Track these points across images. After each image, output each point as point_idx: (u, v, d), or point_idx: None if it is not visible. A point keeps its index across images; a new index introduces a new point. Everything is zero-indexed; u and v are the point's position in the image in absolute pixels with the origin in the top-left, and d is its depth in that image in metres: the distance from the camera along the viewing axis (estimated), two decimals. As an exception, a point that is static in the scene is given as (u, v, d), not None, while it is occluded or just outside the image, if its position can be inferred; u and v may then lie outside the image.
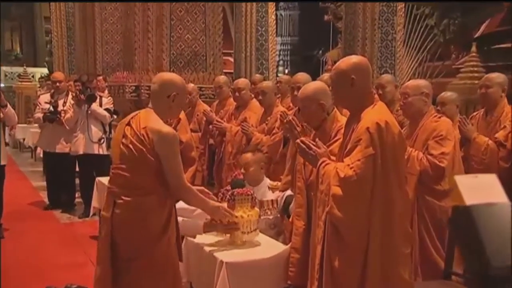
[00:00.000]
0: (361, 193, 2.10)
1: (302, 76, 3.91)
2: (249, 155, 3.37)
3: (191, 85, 5.38)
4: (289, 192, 3.21)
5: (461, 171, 3.13)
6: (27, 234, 5.12)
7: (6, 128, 12.54)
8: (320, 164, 2.28)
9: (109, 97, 6.05)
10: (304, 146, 2.35)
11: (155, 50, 6.31)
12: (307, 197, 2.71)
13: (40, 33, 17.96)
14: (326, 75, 3.57)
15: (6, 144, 12.55)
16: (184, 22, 6.40)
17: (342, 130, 2.60)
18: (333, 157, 2.36)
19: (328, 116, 2.71)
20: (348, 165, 2.13)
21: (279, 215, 3.26)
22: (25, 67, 14.24)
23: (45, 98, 6.19)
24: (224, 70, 7.63)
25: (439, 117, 3.21)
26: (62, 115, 6.00)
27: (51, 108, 6.02)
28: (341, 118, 2.74)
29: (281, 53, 20.41)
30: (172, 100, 2.45)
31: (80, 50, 10.02)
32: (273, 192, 3.32)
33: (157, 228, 2.36)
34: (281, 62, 19.97)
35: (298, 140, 2.40)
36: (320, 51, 17.46)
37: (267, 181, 3.39)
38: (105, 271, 2.38)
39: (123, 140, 2.42)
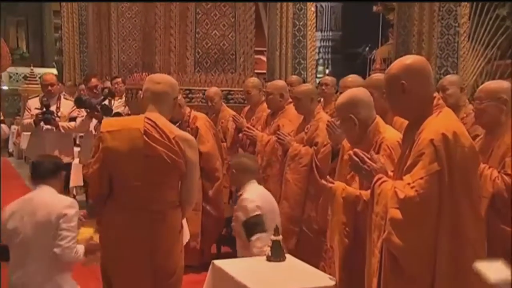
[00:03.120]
0: (424, 217, 2.05)
1: (353, 79, 3.87)
2: (238, 160, 3.79)
3: (213, 89, 5.43)
4: (248, 205, 3.50)
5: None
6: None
7: (10, 136, 12.94)
8: (376, 182, 2.25)
9: (120, 100, 6.17)
10: (357, 160, 2.33)
11: (178, 48, 6.40)
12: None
13: (49, 29, 18.41)
14: (376, 76, 3.52)
15: (10, 154, 12.99)
16: (211, 17, 6.48)
17: (387, 143, 2.59)
18: None
19: (368, 128, 2.70)
20: (409, 184, 2.09)
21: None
22: (32, 67, 14.64)
23: (35, 103, 6.28)
24: (256, 71, 7.67)
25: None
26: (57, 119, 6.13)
27: (44, 109, 6.08)
28: (385, 129, 2.73)
29: (321, 50, 20.39)
30: (175, 102, 2.81)
31: (93, 49, 10.26)
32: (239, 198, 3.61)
33: (182, 241, 2.77)
34: (321, 61, 19.94)
35: (350, 152, 2.39)
36: (367, 48, 17.34)
37: (247, 187, 3.64)
38: None
39: (147, 152, 2.57)
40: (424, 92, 2.23)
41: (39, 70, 15.75)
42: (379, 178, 2.26)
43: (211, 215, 4.77)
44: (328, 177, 2.87)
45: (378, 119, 2.76)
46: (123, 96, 6.69)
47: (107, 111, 5.77)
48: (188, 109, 4.85)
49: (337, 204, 2.69)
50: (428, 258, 2.07)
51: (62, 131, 6.08)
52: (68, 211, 2.92)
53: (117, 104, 6.06)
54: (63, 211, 2.91)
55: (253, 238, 3.44)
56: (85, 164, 5.47)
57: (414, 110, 2.23)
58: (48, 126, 6.12)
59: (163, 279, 2.65)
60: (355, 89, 2.93)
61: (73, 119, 6.15)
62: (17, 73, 17.53)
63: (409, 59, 2.29)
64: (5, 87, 15.79)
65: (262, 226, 3.49)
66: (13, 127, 12.11)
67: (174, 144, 2.59)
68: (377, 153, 2.60)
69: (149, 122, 2.63)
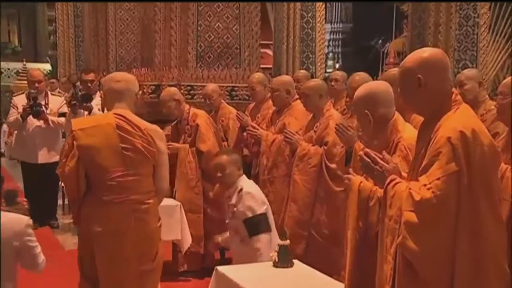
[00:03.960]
0: (441, 221, 2.05)
1: (360, 78, 3.88)
2: (224, 157, 3.72)
3: (211, 85, 5.45)
4: (252, 199, 3.53)
5: None
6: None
7: (2, 135, 13.00)
8: (389, 183, 2.24)
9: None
10: (368, 160, 2.32)
11: (179, 42, 6.43)
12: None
13: (42, 22, 18.43)
14: (393, 70, 3.52)
15: (1, 154, 13.04)
16: (214, 8, 6.50)
17: (404, 144, 2.58)
18: None
19: (386, 125, 2.69)
20: (425, 185, 2.08)
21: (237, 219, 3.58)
22: (24, 62, 14.71)
23: (21, 100, 6.34)
24: (262, 66, 7.69)
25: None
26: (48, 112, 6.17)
27: (31, 101, 6.11)
28: (403, 127, 2.71)
29: (331, 43, 20.36)
30: (137, 97, 3.14)
31: (89, 43, 10.28)
32: (237, 194, 3.61)
33: (160, 227, 3.09)
34: (330, 55, 19.92)
35: (361, 153, 2.39)
36: (380, 41, 17.31)
37: (239, 183, 3.65)
38: (128, 283, 2.93)
39: (124, 145, 2.90)
40: (441, 87, 2.22)
41: (32, 65, 15.78)
42: (392, 180, 2.25)
43: (213, 218, 4.78)
44: (350, 170, 2.87)
45: (397, 116, 2.74)
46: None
47: (87, 98, 5.75)
48: (187, 106, 4.87)
49: (353, 196, 2.69)
50: (445, 263, 2.05)
51: (52, 125, 6.15)
52: (29, 230, 2.78)
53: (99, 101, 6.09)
54: (25, 230, 2.76)
55: (259, 237, 3.45)
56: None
57: (430, 106, 2.23)
58: (37, 123, 6.18)
59: (146, 264, 2.99)
60: (375, 82, 2.93)
61: (62, 114, 6.21)
62: (8, 69, 17.57)
63: (425, 52, 2.28)
64: (-4, 84, 15.83)
65: (269, 225, 3.53)
66: (5, 125, 12.15)
67: (147, 135, 2.94)
68: (393, 152, 2.60)
69: (119, 117, 2.96)
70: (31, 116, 6.23)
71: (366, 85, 2.85)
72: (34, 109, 6.07)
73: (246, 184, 3.68)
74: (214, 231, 4.79)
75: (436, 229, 2.06)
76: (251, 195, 3.57)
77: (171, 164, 4.76)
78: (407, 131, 2.71)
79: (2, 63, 17.25)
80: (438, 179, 2.05)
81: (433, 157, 2.11)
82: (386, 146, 2.64)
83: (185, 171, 4.72)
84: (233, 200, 3.62)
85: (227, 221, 3.75)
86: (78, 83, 6.41)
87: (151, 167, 2.98)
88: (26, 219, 2.84)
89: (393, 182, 2.24)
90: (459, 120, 2.14)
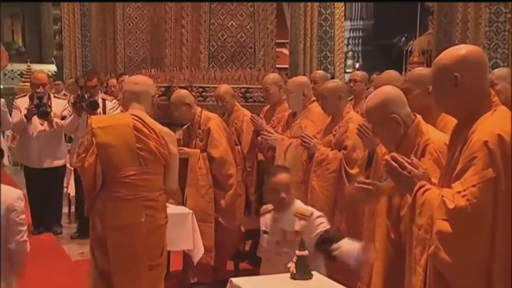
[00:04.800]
0: (477, 230, 2.01)
1: (389, 76, 3.82)
2: (285, 176, 3.59)
3: (223, 87, 5.46)
4: (319, 218, 3.41)
5: None
6: (32, 277, 5.29)
7: (5, 140, 13.11)
8: (418, 190, 2.21)
9: (114, 100, 6.28)
10: (395, 165, 2.29)
11: (191, 41, 6.46)
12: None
13: (47, 21, 18.61)
14: (418, 70, 3.50)
15: (3, 155, 13.16)
16: (228, 6, 6.52)
17: (434, 147, 2.55)
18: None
19: (408, 129, 2.68)
20: (459, 192, 2.05)
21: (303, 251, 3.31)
22: (29, 63, 14.84)
23: (24, 102, 6.44)
24: (277, 66, 7.70)
25: None
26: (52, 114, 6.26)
27: (36, 101, 6.19)
28: (428, 129, 2.69)
29: (350, 42, 20.34)
30: (153, 100, 3.51)
31: (96, 42, 10.37)
32: (299, 220, 3.44)
33: (166, 225, 3.43)
34: (350, 54, 19.90)
35: (387, 157, 2.35)
36: (403, 39, 17.24)
37: (296, 206, 3.50)
38: (140, 275, 3.26)
39: (139, 145, 3.24)
40: (479, 86, 2.19)
41: (36, 67, 15.94)
42: (422, 186, 2.21)
43: (225, 227, 4.79)
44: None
45: (419, 118, 2.72)
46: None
47: (94, 106, 5.90)
48: (199, 109, 4.88)
49: (382, 204, 2.66)
50: (481, 276, 2.02)
51: (55, 127, 6.24)
52: (18, 204, 2.99)
53: (111, 106, 6.16)
54: (13, 203, 2.97)
55: (338, 249, 3.32)
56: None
57: (466, 107, 2.19)
58: (41, 127, 6.28)
59: (154, 259, 3.33)
60: (385, 87, 2.91)
61: (64, 118, 6.32)
62: (12, 70, 17.74)
63: (462, 49, 2.24)
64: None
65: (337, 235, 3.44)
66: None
67: (160, 138, 3.29)
68: (420, 157, 2.56)
69: (136, 118, 3.29)
70: (34, 120, 6.33)
71: (377, 92, 2.84)
72: (41, 109, 6.16)
73: (304, 206, 3.57)
74: (225, 241, 4.82)
75: (471, 240, 2.03)
76: (323, 217, 3.46)
77: (182, 169, 4.84)
78: (433, 133, 2.69)
79: (6, 64, 17.49)
80: (474, 186, 2.02)
81: (468, 162, 2.07)
82: (410, 151, 2.60)
83: (195, 178, 4.73)
84: (297, 227, 3.44)
85: (283, 250, 3.42)
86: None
87: (162, 167, 3.33)
88: (18, 192, 3.03)
89: (423, 189, 2.21)
90: (496, 122, 2.10)
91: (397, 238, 2.60)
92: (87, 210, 3.48)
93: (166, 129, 3.41)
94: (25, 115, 6.29)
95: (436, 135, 2.68)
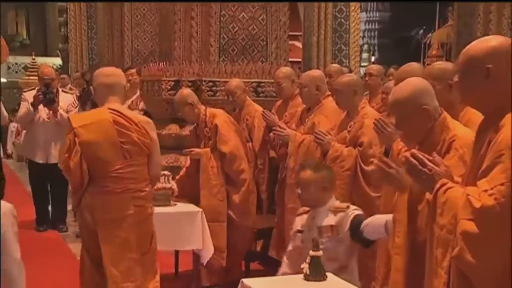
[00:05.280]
0: (505, 231, 1.96)
1: (411, 69, 3.77)
2: (308, 173, 3.51)
3: (234, 81, 5.45)
4: (355, 210, 3.33)
5: None
6: (36, 277, 5.33)
7: (9, 135, 13.22)
8: (440, 188, 2.19)
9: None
10: (415, 162, 2.26)
11: (201, 34, 6.46)
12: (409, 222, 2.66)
13: (52, 12, 18.69)
14: (439, 64, 3.46)
15: (9, 156, 13.28)
16: (239, -3, 6.52)
17: (460, 143, 2.52)
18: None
19: (435, 123, 2.66)
20: (486, 190, 2.00)
21: (340, 241, 3.33)
22: (33, 56, 14.91)
23: (32, 96, 6.49)
24: (290, 59, 7.69)
25: None
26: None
27: (44, 88, 6.25)
28: (454, 125, 2.66)
29: (366, 34, 20.29)
30: (125, 89, 3.62)
31: (103, 34, 10.41)
32: (335, 215, 3.40)
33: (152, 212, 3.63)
34: (365, 47, 19.84)
35: (406, 154, 2.33)
36: (421, 31, 17.18)
37: (331, 203, 3.47)
38: (133, 265, 3.45)
39: (122, 139, 3.37)
40: (508, 79, 2.14)
41: (41, 60, 16.01)
42: (443, 184, 2.19)
43: (239, 226, 4.80)
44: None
45: (446, 113, 2.68)
46: (138, 89, 6.79)
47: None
48: (203, 108, 4.88)
49: (402, 199, 2.62)
50: (509, 279, 1.99)
51: (59, 118, 6.30)
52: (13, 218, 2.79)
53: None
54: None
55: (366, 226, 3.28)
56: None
57: (495, 101, 2.15)
58: (44, 117, 6.37)
59: (144, 246, 3.52)
60: (413, 78, 2.86)
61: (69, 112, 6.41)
62: (16, 63, 17.87)
63: (493, 40, 2.21)
64: (3, 79, 16.04)
65: None
66: (12, 124, 12.31)
67: (141, 128, 3.42)
68: (445, 153, 2.53)
69: (115, 112, 3.40)
70: (40, 111, 6.39)
71: (405, 82, 2.76)
72: (48, 96, 6.21)
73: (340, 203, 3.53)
74: (238, 241, 4.82)
75: (498, 241, 1.99)
76: (359, 210, 3.39)
77: (195, 173, 4.86)
78: (459, 129, 2.65)
79: (9, 57, 17.55)
80: (502, 184, 1.98)
81: (495, 159, 2.03)
82: (435, 147, 2.57)
83: (208, 177, 4.74)
84: (332, 221, 3.39)
85: (321, 247, 3.20)
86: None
87: (146, 157, 3.49)
88: (10, 207, 2.78)
89: (445, 187, 2.18)
90: None
91: (413, 233, 2.57)
92: (73, 206, 3.66)
93: (144, 118, 3.65)
94: (31, 103, 6.34)
95: (462, 131, 2.64)
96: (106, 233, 3.43)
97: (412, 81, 2.77)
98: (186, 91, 5.05)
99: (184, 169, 5.04)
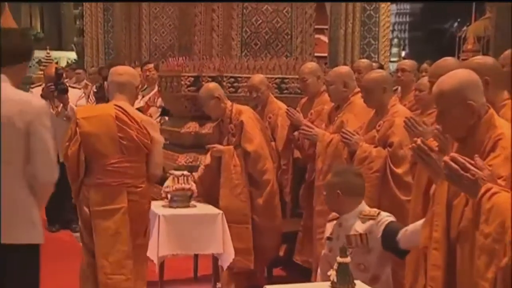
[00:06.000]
0: None
1: (447, 63, 3.71)
2: (328, 177, 3.59)
3: (258, 76, 5.45)
4: (388, 217, 3.29)
5: None
6: (48, 280, 5.36)
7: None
8: (484, 194, 2.17)
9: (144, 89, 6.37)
10: (456, 167, 2.24)
11: (222, 27, 6.48)
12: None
13: (67, 5, 18.85)
14: (477, 59, 3.41)
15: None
16: (262, -12, 6.52)
17: (506, 142, 2.44)
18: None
19: (480, 120, 2.61)
20: None
21: (370, 250, 3.30)
22: (48, 50, 15.02)
23: (38, 93, 6.50)
24: (316, 54, 7.68)
25: None
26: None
27: (56, 78, 6.29)
28: (501, 123, 2.59)
29: (396, 27, 20.15)
30: (137, 90, 3.93)
31: (120, 28, 10.48)
32: (363, 222, 3.37)
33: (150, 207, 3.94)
34: (395, 41, 19.71)
35: (446, 158, 2.29)
36: (456, 24, 17.03)
37: (360, 209, 3.44)
38: (123, 258, 3.67)
39: (121, 135, 3.62)
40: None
41: (56, 54, 16.15)
42: (488, 189, 2.16)
43: (264, 228, 4.80)
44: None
45: (493, 110, 2.60)
46: (156, 85, 6.83)
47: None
48: (229, 103, 4.90)
49: (442, 191, 2.56)
50: None
51: (69, 111, 6.36)
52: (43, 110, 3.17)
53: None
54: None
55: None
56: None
57: None
58: (53, 113, 6.42)
59: (138, 239, 3.77)
60: (461, 70, 2.78)
61: None
62: (30, 58, 18.05)
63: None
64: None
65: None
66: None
67: (142, 127, 3.66)
68: (490, 152, 2.47)
69: (119, 109, 3.67)
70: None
71: (451, 74, 2.67)
72: (59, 87, 6.28)
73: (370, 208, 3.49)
74: (263, 245, 4.83)
75: None
76: (391, 216, 3.37)
77: (216, 170, 4.87)
78: (506, 128, 2.56)
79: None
80: None
81: None
82: (479, 146, 2.51)
83: (229, 176, 4.75)
84: (360, 229, 3.35)
85: (349, 254, 3.14)
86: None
87: (144, 155, 3.72)
88: (43, 102, 3.18)
89: (490, 192, 2.16)
90: None
91: (448, 227, 2.52)
92: (74, 198, 3.91)
93: (148, 118, 3.97)
94: (41, 95, 6.40)
95: (509, 130, 2.56)
96: (98, 224, 3.69)
97: (460, 72, 2.67)
98: (212, 84, 5.09)
99: (202, 166, 5.05)
